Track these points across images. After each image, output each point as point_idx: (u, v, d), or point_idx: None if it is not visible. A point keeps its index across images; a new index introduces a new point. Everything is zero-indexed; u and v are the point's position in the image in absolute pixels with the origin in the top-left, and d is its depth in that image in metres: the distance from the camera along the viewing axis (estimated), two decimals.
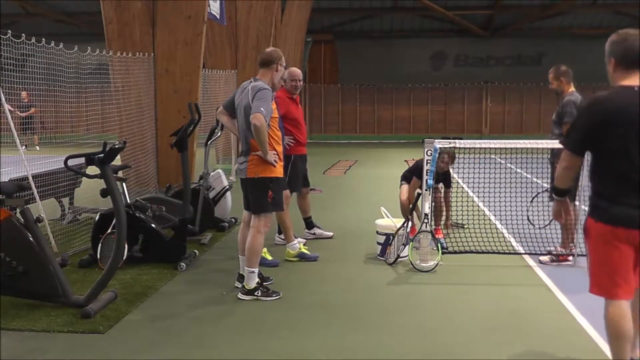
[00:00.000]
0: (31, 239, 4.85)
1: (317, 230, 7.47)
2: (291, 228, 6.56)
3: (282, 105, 6.61)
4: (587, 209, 3.67)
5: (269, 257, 6.30)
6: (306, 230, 7.44)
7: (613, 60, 3.51)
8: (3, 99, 6.44)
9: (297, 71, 6.92)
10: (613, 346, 3.49)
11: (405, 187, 7.33)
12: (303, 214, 7.39)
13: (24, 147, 8.41)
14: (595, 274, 3.50)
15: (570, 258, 6.34)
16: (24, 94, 8.09)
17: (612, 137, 3.38)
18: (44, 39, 6.90)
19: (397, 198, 7.44)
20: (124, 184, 6.76)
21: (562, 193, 3.74)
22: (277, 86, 5.49)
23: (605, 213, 3.45)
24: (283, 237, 6.75)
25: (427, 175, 6.22)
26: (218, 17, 12.18)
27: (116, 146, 4.96)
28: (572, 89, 6.28)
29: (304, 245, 6.75)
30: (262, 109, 4.96)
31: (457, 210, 7.63)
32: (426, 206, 6.23)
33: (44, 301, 4.95)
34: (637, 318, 3.55)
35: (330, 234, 7.54)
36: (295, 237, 6.69)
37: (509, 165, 6.13)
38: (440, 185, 7.39)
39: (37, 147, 6.71)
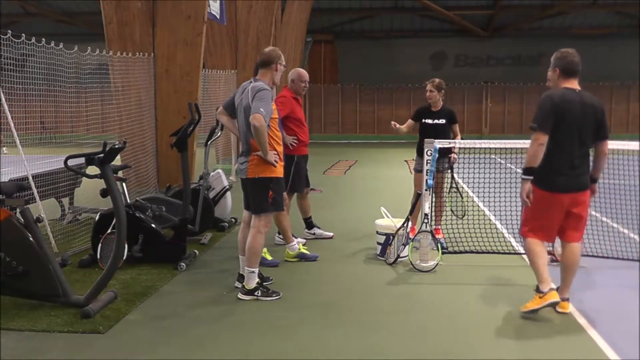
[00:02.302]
0: (31, 239, 4.85)
1: (317, 231, 7.47)
2: (289, 229, 6.55)
3: (287, 105, 6.61)
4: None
5: (269, 257, 6.30)
6: (306, 230, 7.43)
7: (558, 70, 4.81)
8: (3, 99, 6.44)
9: (306, 73, 6.94)
10: (532, 262, 4.89)
11: (410, 121, 7.30)
12: (303, 214, 7.39)
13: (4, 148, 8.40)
14: (529, 222, 4.85)
15: None
16: None
17: (562, 122, 4.61)
18: (44, 39, 6.90)
19: (396, 198, 7.44)
20: (124, 184, 6.76)
21: (532, 172, 4.73)
22: (277, 85, 5.49)
23: (547, 182, 4.70)
24: (283, 237, 6.75)
25: (427, 175, 6.23)
26: (218, 17, 12.18)
27: (116, 146, 4.96)
28: None
29: (304, 245, 6.75)
30: (261, 109, 4.96)
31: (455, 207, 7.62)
32: (426, 206, 6.24)
33: (44, 301, 4.95)
34: (569, 264, 4.89)
35: (331, 234, 7.53)
36: (295, 237, 6.69)
37: (509, 165, 6.13)
38: (444, 168, 7.18)
39: (4, 150, 6.67)
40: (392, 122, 7.24)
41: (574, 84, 4.77)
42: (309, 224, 7.44)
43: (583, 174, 4.77)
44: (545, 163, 4.68)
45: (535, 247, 4.88)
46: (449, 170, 7.09)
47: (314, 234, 7.43)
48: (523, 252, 6.63)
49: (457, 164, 7.13)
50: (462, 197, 7.05)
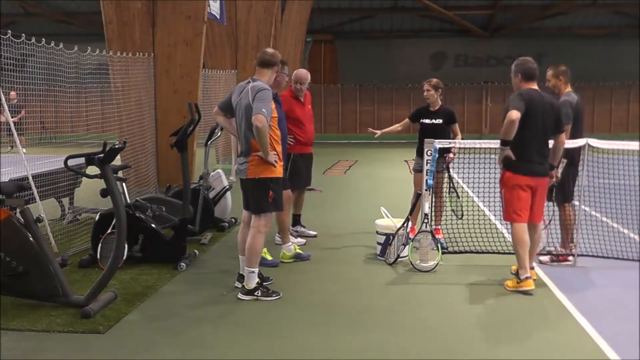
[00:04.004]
0: (31, 239, 4.85)
1: (300, 229, 7.45)
2: (289, 229, 6.56)
3: (284, 104, 6.61)
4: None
5: (269, 257, 6.30)
6: (291, 227, 7.40)
7: (520, 75, 5.56)
8: (3, 99, 6.44)
9: (302, 75, 6.90)
10: (518, 251, 5.47)
11: (407, 120, 7.45)
12: (294, 210, 7.37)
13: (9, 148, 8.34)
14: (508, 207, 5.54)
15: (570, 258, 6.34)
16: (12, 93, 8.06)
17: (529, 116, 5.33)
18: (44, 39, 6.89)
19: (396, 198, 7.44)
20: (124, 184, 6.75)
21: (508, 144, 5.41)
22: (283, 84, 5.51)
23: (518, 168, 5.43)
24: (281, 237, 6.74)
25: (427, 175, 6.23)
26: (218, 17, 12.18)
27: (116, 146, 4.96)
28: (568, 88, 6.32)
29: (303, 245, 6.75)
30: (263, 110, 4.98)
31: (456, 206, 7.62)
32: (426, 206, 6.23)
33: (44, 301, 4.95)
34: (535, 241, 5.65)
35: (314, 233, 7.53)
36: (294, 237, 6.69)
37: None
38: (443, 170, 7.20)
39: (24, 150, 6.71)
40: (371, 129, 7.53)
41: (534, 86, 5.54)
42: (295, 221, 7.43)
43: (547, 163, 5.62)
44: (520, 152, 5.43)
45: (524, 235, 5.51)
46: (447, 171, 7.08)
47: (297, 231, 7.42)
48: None
49: (457, 163, 7.13)
50: (458, 197, 7.03)
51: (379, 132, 7.56)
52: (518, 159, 5.41)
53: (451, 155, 7.01)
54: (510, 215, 5.54)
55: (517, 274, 5.50)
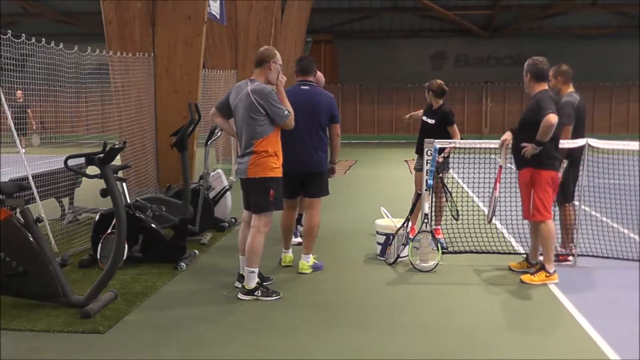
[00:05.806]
0: (31, 239, 4.85)
1: (300, 228, 7.42)
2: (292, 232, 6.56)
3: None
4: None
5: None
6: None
7: (529, 74, 5.61)
8: (3, 99, 6.44)
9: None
10: (551, 246, 5.69)
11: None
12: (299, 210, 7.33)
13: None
14: (545, 204, 5.61)
15: (570, 258, 6.34)
16: (18, 93, 8.00)
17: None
18: (44, 39, 6.89)
19: (396, 198, 7.43)
20: (124, 184, 6.75)
21: (544, 144, 5.47)
22: (273, 84, 5.50)
23: (555, 165, 5.68)
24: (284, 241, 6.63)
25: (427, 175, 6.23)
26: (218, 17, 12.18)
27: (116, 146, 4.96)
28: (570, 89, 6.28)
29: (297, 245, 6.77)
30: (286, 112, 5.13)
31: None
32: (426, 206, 6.23)
33: (44, 301, 4.95)
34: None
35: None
36: (295, 236, 6.69)
37: (508, 165, 6.14)
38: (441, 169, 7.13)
39: (24, 150, 6.73)
40: (405, 116, 8.04)
41: (544, 87, 5.60)
42: (297, 220, 7.39)
43: None
44: (552, 151, 5.59)
45: (554, 229, 5.76)
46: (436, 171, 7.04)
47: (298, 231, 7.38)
48: (523, 252, 6.65)
49: (457, 164, 7.11)
50: (447, 200, 6.97)
51: (407, 115, 7.97)
52: (554, 157, 5.64)
53: (439, 158, 6.68)
54: (547, 211, 5.67)
55: (542, 268, 5.70)
